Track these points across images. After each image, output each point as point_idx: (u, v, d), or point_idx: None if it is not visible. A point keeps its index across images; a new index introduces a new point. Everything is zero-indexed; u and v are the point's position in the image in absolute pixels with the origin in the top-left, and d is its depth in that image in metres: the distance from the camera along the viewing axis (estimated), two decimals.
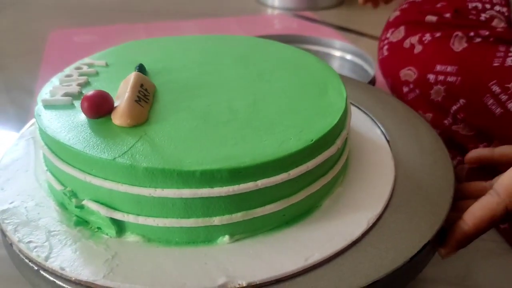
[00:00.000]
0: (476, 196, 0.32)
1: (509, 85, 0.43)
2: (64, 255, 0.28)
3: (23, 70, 0.75)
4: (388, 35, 0.58)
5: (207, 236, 0.29)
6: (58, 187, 0.31)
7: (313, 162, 0.30)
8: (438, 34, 0.51)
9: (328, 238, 0.29)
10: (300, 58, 0.40)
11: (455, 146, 0.49)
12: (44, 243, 0.29)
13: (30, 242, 0.29)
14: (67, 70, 0.37)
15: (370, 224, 0.31)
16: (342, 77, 0.49)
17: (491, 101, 0.45)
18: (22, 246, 0.29)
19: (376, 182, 0.34)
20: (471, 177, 0.47)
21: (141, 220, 0.28)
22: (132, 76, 0.33)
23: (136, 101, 0.31)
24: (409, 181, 0.35)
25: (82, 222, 0.30)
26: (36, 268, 0.28)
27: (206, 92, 0.35)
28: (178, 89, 0.35)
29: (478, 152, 0.39)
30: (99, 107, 0.31)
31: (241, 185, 0.28)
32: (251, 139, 0.29)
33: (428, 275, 0.41)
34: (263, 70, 0.38)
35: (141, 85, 0.33)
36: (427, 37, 0.52)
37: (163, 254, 0.28)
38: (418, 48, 0.52)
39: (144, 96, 0.32)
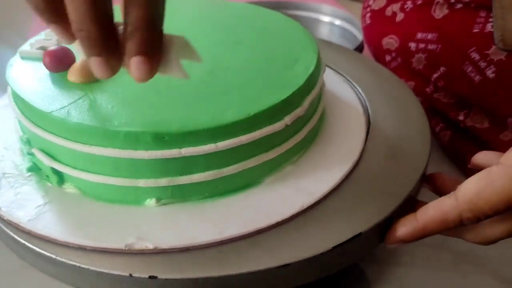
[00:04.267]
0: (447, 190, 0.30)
1: (489, 52, 0.41)
2: (7, 196, 0.30)
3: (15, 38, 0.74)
4: (371, 2, 0.55)
5: (135, 197, 0.29)
6: (20, 133, 0.33)
7: (248, 136, 0.29)
8: (419, 2, 0.49)
9: (254, 216, 0.29)
10: (285, 27, 0.38)
11: (438, 114, 0.48)
12: None
13: None
14: None
15: (304, 207, 0.29)
16: (329, 44, 0.48)
17: (470, 68, 0.42)
18: None
19: (332, 165, 0.32)
20: (453, 144, 0.46)
21: (76, 173, 0.30)
22: None
23: None
24: (372, 165, 0.33)
25: (35, 169, 0.32)
26: None
27: None
28: None
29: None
30: (59, 62, 0.32)
31: (164, 151, 0.28)
32: (188, 107, 0.29)
33: None
34: (242, 38, 0.37)
35: None
36: (409, 4, 0.50)
37: (91, 208, 0.29)
38: (400, 16, 0.50)
39: None
